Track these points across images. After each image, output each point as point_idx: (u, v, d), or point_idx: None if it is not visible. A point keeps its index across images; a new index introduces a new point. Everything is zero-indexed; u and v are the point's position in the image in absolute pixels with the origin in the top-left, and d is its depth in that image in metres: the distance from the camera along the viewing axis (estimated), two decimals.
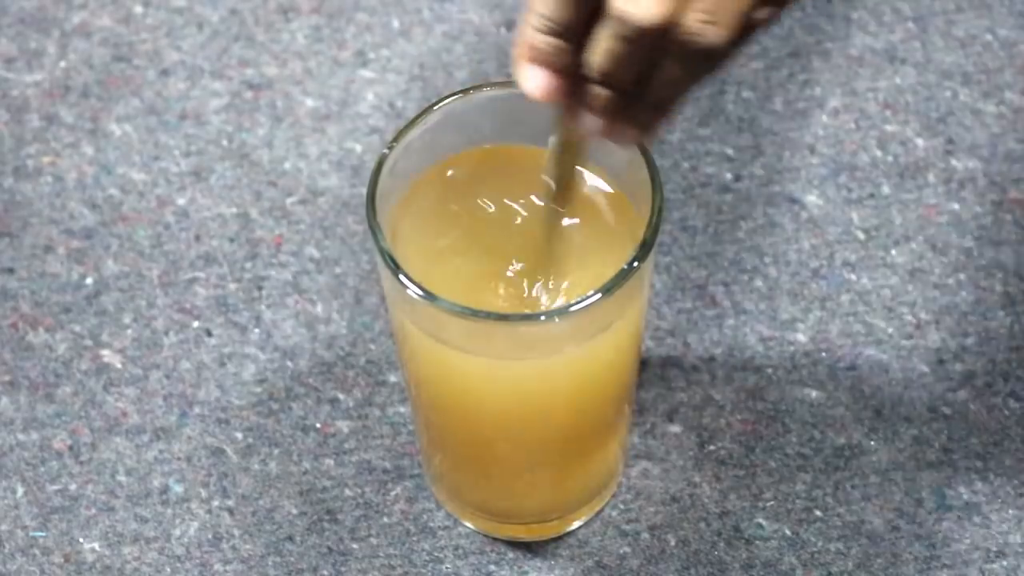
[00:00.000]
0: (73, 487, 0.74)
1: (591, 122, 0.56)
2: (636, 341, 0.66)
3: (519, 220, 0.63)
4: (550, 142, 0.60)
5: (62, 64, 0.86)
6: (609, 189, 0.64)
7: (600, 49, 0.54)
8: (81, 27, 0.87)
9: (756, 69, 0.84)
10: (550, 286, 0.62)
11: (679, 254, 0.79)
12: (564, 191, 0.62)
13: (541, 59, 0.55)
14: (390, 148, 0.62)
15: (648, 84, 0.55)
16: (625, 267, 0.59)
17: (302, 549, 0.72)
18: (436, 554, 0.72)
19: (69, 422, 0.75)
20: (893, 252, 0.79)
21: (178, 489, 0.74)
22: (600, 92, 0.55)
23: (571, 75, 0.55)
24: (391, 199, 0.63)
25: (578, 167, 0.62)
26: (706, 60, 0.54)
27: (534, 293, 0.62)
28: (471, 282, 0.62)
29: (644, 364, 0.75)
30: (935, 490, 0.73)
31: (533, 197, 0.63)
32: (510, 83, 0.60)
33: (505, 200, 0.64)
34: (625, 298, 0.60)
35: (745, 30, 0.54)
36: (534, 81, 0.56)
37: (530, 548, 0.72)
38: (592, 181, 0.64)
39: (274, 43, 0.86)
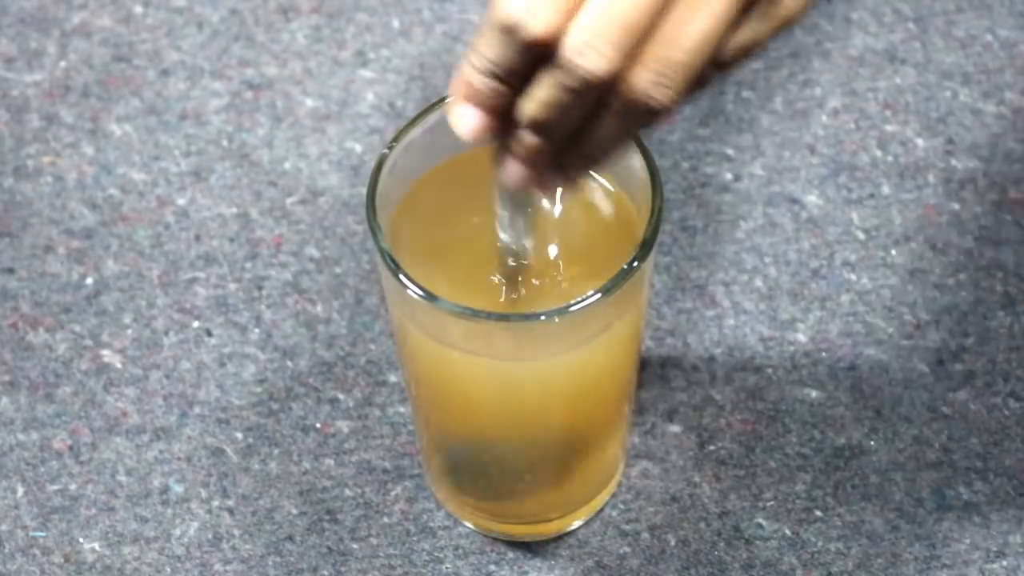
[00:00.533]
0: (73, 487, 0.74)
1: (514, 169, 0.55)
2: (636, 341, 0.66)
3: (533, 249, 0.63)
4: (498, 202, 0.59)
5: (62, 64, 0.86)
6: (609, 189, 0.64)
7: (538, 97, 0.52)
8: (81, 27, 0.87)
9: (756, 69, 0.84)
10: (550, 286, 0.62)
11: (679, 254, 0.79)
12: (520, 244, 0.61)
13: (478, 100, 0.53)
14: (390, 148, 0.62)
15: (582, 136, 0.53)
16: (625, 267, 0.59)
17: (302, 549, 0.72)
18: (436, 554, 0.72)
19: (69, 422, 0.75)
20: (893, 252, 0.79)
21: (178, 489, 0.74)
22: (529, 140, 0.53)
23: (504, 118, 0.54)
24: (391, 199, 0.63)
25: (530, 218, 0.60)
26: (648, 119, 0.52)
27: (535, 293, 0.62)
28: (471, 282, 0.62)
29: (644, 364, 0.75)
30: (935, 490, 0.73)
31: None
32: None
33: None
34: (625, 298, 0.60)
35: (692, 90, 0.52)
36: (466, 121, 0.54)
37: (530, 548, 0.72)
38: (592, 181, 0.64)
39: (274, 43, 0.86)
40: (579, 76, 0.51)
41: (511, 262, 0.61)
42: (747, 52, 0.53)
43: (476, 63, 0.53)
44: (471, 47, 0.53)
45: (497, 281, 0.62)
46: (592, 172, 0.55)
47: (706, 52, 0.51)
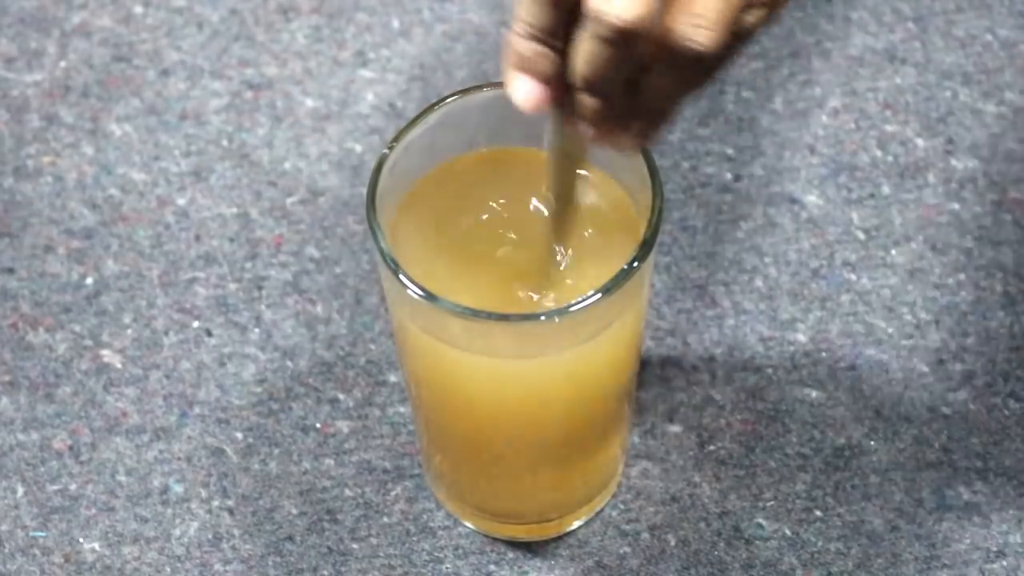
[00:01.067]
0: (73, 487, 0.74)
1: (584, 130, 0.55)
2: (636, 341, 0.66)
3: (519, 220, 0.63)
4: (548, 152, 0.60)
5: (62, 64, 0.86)
6: (609, 189, 0.64)
7: (581, 54, 0.52)
8: (81, 27, 0.87)
9: (756, 69, 0.84)
10: (550, 286, 0.62)
11: (679, 254, 0.79)
12: (567, 201, 0.61)
13: (528, 67, 0.54)
14: (390, 148, 0.62)
15: (638, 91, 0.53)
16: (625, 267, 0.59)
17: (302, 549, 0.72)
18: (436, 554, 0.72)
19: (69, 422, 0.75)
20: (893, 252, 0.79)
21: (178, 489, 0.74)
22: (587, 100, 0.54)
23: (560, 82, 0.54)
24: (391, 199, 0.63)
25: (579, 174, 0.61)
26: (696, 66, 0.52)
27: (534, 293, 0.62)
28: (471, 282, 0.62)
29: (644, 364, 0.75)
30: (935, 490, 0.73)
31: (536, 203, 0.63)
32: None
33: (505, 200, 0.64)
34: (625, 298, 0.60)
35: (736, 36, 0.52)
36: (522, 90, 0.55)
37: (530, 548, 0.72)
38: (592, 181, 0.64)
39: (274, 43, 0.86)
40: (609, 24, 0.51)
41: (555, 222, 0.62)
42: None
43: (518, 29, 0.53)
44: (514, 18, 0.54)
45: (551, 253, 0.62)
46: (661, 132, 0.55)
47: None
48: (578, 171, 0.61)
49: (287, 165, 0.82)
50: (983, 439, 0.74)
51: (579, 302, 0.58)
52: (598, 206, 0.64)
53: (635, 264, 0.59)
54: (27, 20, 0.87)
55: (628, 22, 0.51)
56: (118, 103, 0.85)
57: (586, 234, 0.63)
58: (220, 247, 0.80)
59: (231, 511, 0.73)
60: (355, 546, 0.72)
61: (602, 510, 0.73)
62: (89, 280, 0.79)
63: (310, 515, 0.73)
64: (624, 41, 0.51)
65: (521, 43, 0.54)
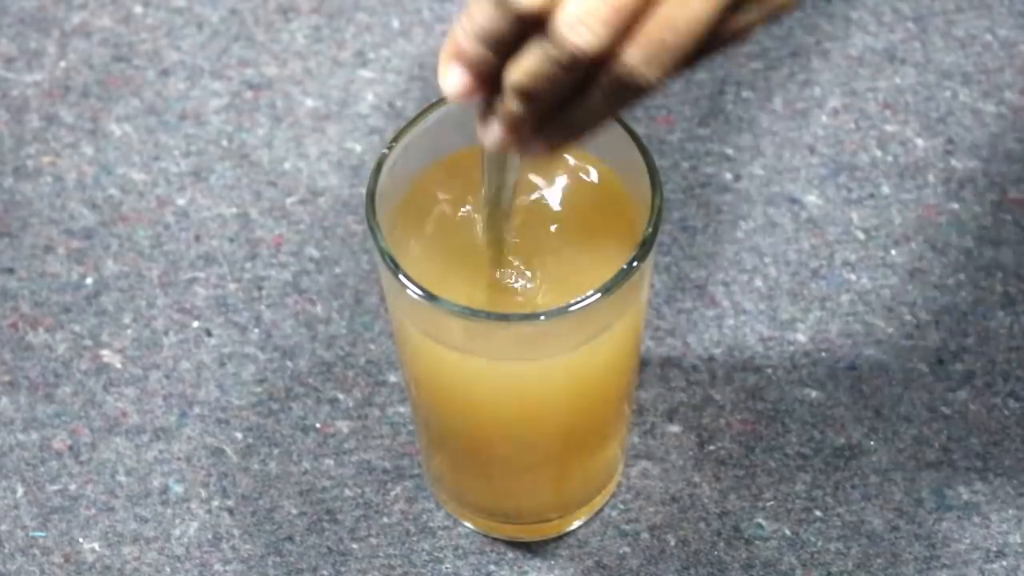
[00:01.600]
0: (73, 487, 0.74)
1: (495, 132, 0.55)
2: (636, 341, 0.66)
3: (518, 220, 0.63)
4: (483, 159, 0.59)
5: (62, 64, 0.86)
6: (609, 188, 0.64)
7: (526, 67, 0.52)
8: (81, 27, 0.87)
9: (756, 69, 0.84)
10: (550, 286, 0.62)
11: (679, 254, 0.79)
12: (500, 202, 0.60)
13: (464, 61, 0.53)
14: (390, 148, 0.62)
15: (567, 108, 0.53)
16: (625, 267, 0.59)
17: (302, 549, 0.72)
18: (436, 554, 0.72)
19: (69, 422, 0.75)
20: (893, 252, 0.79)
21: (178, 489, 0.74)
22: (513, 106, 0.53)
23: (491, 80, 0.54)
24: (391, 199, 0.63)
25: (511, 173, 0.60)
26: (634, 96, 0.52)
27: (534, 293, 0.62)
28: (470, 282, 0.62)
29: (644, 364, 0.75)
30: (935, 490, 0.73)
31: (473, 201, 0.62)
32: None
33: None
34: (625, 298, 0.60)
35: (679, 70, 0.52)
36: (452, 80, 0.54)
37: (530, 548, 0.72)
38: (592, 181, 0.64)
39: (274, 43, 0.86)
40: (568, 51, 0.50)
41: (488, 224, 0.61)
42: (737, 37, 0.53)
43: (467, 27, 0.53)
44: (464, 8, 0.53)
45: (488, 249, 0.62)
46: (574, 145, 0.55)
47: (698, 35, 0.51)
48: (509, 169, 0.60)
49: (287, 165, 0.82)
50: (983, 439, 0.74)
51: (579, 302, 0.58)
52: (598, 206, 0.64)
53: (635, 264, 0.59)
54: (27, 20, 0.87)
55: (588, 53, 0.50)
56: (118, 103, 0.85)
57: (585, 233, 0.63)
58: (220, 247, 0.80)
59: (231, 511, 0.73)
60: (355, 546, 0.72)
61: (602, 510, 0.73)
62: (89, 280, 0.79)
63: (310, 515, 0.73)
64: (575, 67, 0.51)
65: (466, 40, 0.53)
